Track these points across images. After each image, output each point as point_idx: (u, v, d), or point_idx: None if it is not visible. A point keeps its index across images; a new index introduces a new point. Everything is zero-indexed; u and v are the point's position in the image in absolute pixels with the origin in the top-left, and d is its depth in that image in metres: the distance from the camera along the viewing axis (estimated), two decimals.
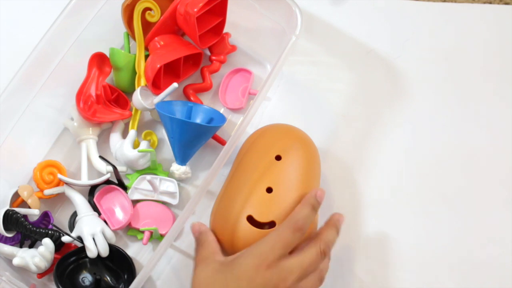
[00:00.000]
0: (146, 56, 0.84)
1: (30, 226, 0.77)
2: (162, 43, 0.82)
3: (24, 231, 0.77)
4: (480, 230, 0.82)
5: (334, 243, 0.70)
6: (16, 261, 0.74)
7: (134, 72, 0.83)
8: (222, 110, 0.86)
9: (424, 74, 0.89)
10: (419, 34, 0.90)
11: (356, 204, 0.83)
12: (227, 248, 0.71)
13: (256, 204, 0.71)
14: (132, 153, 0.79)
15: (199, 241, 0.72)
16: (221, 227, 0.72)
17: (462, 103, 0.87)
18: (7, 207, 0.76)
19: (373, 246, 0.82)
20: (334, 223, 0.71)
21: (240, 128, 0.73)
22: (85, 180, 0.80)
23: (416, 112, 0.87)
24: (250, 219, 0.70)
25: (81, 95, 0.82)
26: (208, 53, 0.87)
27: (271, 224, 0.70)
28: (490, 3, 0.91)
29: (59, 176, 0.79)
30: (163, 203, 0.81)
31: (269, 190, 0.71)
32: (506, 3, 0.91)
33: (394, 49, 0.90)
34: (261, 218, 0.70)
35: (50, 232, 0.77)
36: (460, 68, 0.89)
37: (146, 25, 0.83)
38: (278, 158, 0.73)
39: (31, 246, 0.79)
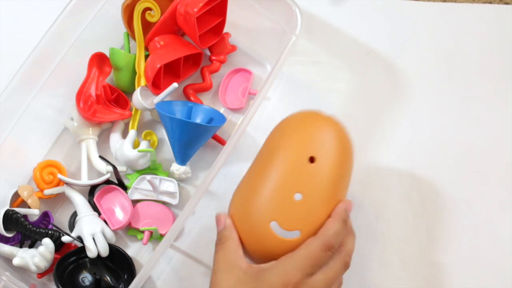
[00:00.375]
0: (146, 56, 0.83)
1: (30, 226, 0.77)
2: (162, 43, 0.82)
3: (24, 231, 0.77)
4: (480, 230, 0.82)
5: (353, 251, 0.68)
6: (16, 261, 0.74)
7: (134, 72, 0.83)
8: (222, 110, 0.86)
9: (424, 74, 0.89)
10: (419, 34, 0.90)
11: (357, 204, 0.83)
12: (246, 251, 0.67)
13: (282, 210, 0.66)
14: (132, 153, 0.79)
15: (222, 237, 0.66)
16: (241, 227, 0.67)
17: (462, 102, 0.87)
18: (7, 207, 0.76)
19: (373, 246, 0.81)
20: (351, 229, 0.68)
21: (240, 128, 0.73)
22: (85, 180, 0.80)
23: (416, 112, 0.87)
24: (274, 225, 0.66)
25: (81, 95, 0.82)
26: (208, 53, 0.87)
27: (295, 232, 0.66)
28: (490, 3, 0.91)
29: (59, 176, 0.79)
30: (163, 203, 0.81)
31: (298, 196, 0.66)
32: (506, 3, 0.91)
33: (394, 49, 0.90)
34: (285, 226, 0.65)
35: (50, 232, 0.77)
36: (460, 68, 0.89)
37: (146, 25, 0.83)
38: (312, 159, 0.67)
39: (31, 246, 0.79)
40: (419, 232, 0.82)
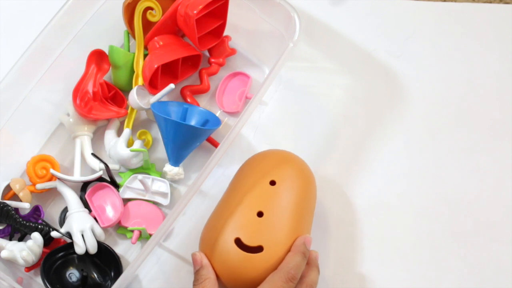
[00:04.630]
0: (145, 56, 0.83)
1: (20, 219, 0.77)
2: (161, 43, 0.82)
3: (14, 224, 0.77)
4: (480, 230, 0.82)
5: (317, 283, 0.71)
6: (4, 254, 0.74)
7: (132, 71, 0.83)
8: (218, 113, 0.86)
9: (424, 74, 0.89)
10: (419, 34, 0.90)
11: (357, 203, 0.83)
12: (214, 269, 0.70)
13: (245, 227, 0.70)
14: (125, 152, 0.79)
15: (199, 277, 0.70)
16: (209, 247, 0.71)
17: (462, 102, 0.87)
18: None
19: (373, 247, 0.81)
20: (314, 262, 0.72)
21: (233, 131, 0.72)
22: (78, 176, 0.80)
23: (416, 112, 0.87)
24: (238, 241, 0.70)
25: (78, 92, 0.81)
26: (208, 55, 0.87)
27: (259, 249, 0.69)
28: (490, 2, 0.91)
29: (52, 171, 0.79)
30: (154, 203, 0.81)
31: (260, 214, 0.71)
32: (506, 3, 0.90)
33: (394, 49, 0.89)
34: (249, 241, 0.69)
35: (39, 226, 0.77)
36: (460, 67, 0.89)
37: (147, 25, 0.83)
38: (272, 183, 0.73)
39: (20, 240, 0.79)
40: (419, 231, 0.82)
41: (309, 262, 0.71)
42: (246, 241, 0.69)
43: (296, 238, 0.71)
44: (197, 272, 0.70)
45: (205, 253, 0.71)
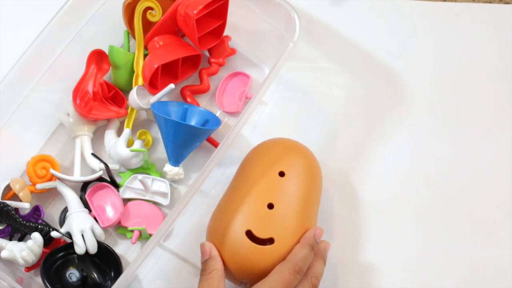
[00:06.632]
0: (145, 56, 0.83)
1: (20, 219, 0.77)
2: (161, 43, 0.82)
3: (14, 224, 0.77)
4: (480, 230, 0.82)
5: (322, 274, 0.71)
6: (4, 254, 0.74)
7: (132, 71, 0.83)
8: (218, 113, 0.86)
9: (424, 74, 0.89)
10: (419, 34, 0.90)
11: (357, 203, 0.83)
12: (224, 264, 0.70)
13: (256, 219, 0.70)
14: (125, 152, 0.79)
15: (207, 267, 0.70)
16: (218, 239, 0.71)
17: (462, 103, 0.87)
18: None
19: (373, 246, 0.81)
20: (321, 254, 0.72)
21: (233, 131, 0.72)
22: (78, 176, 0.80)
23: (416, 113, 0.87)
24: (249, 234, 0.70)
25: (78, 92, 0.81)
26: (208, 55, 0.87)
27: (270, 241, 0.70)
28: (490, 2, 0.91)
29: (52, 171, 0.79)
30: (154, 203, 0.81)
31: (271, 206, 0.71)
32: (506, 3, 0.91)
33: (394, 49, 0.89)
34: (260, 234, 0.70)
35: (39, 226, 0.77)
36: (460, 68, 0.89)
37: (147, 25, 0.83)
38: (281, 174, 0.73)
39: (20, 240, 0.79)
40: (419, 231, 0.82)
41: (316, 253, 0.71)
42: (257, 233, 0.70)
43: (305, 229, 0.71)
44: (205, 262, 0.70)
45: (214, 243, 0.71)
